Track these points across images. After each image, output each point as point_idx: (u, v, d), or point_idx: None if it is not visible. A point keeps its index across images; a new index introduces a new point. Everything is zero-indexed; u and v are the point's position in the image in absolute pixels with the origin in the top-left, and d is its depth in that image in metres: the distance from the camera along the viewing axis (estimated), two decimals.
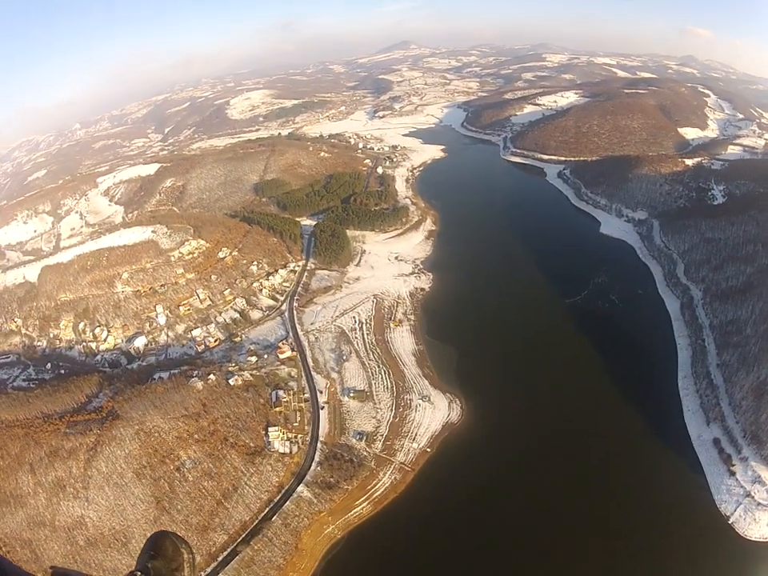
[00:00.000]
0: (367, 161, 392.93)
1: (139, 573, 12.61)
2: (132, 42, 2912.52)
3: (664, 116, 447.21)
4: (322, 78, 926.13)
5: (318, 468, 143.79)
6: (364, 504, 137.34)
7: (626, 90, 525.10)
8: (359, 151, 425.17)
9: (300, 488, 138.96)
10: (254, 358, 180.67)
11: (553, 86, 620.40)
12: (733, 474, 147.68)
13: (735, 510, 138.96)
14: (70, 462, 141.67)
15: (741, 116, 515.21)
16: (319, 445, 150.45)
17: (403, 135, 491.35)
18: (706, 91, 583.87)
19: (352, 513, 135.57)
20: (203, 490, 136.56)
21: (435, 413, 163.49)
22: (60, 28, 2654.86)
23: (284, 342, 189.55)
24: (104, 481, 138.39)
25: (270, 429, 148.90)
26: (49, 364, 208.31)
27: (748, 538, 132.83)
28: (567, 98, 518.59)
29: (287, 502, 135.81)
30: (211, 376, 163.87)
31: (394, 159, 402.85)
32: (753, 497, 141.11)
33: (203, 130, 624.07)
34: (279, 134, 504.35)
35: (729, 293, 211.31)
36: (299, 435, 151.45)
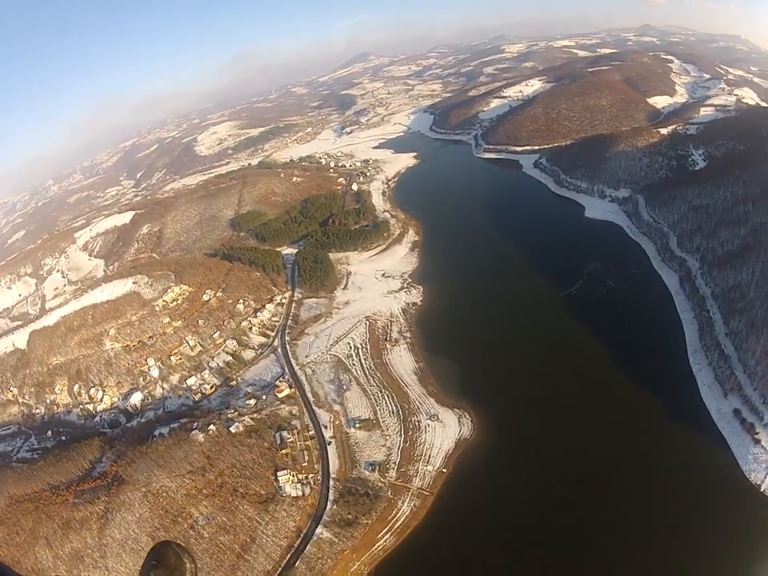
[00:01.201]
0: (341, 179, 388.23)
1: None
2: (94, 90, 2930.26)
3: (631, 89, 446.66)
4: (285, 102, 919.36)
5: (335, 506, 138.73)
6: (387, 536, 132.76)
7: (589, 69, 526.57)
8: (331, 170, 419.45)
9: (319, 529, 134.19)
10: (252, 401, 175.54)
11: (516, 77, 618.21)
12: (758, 441, 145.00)
13: (765, 477, 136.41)
14: (84, 533, 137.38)
15: (707, 76, 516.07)
16: (332, 482, 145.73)
17: (373, 148, 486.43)
18: (669, 57, 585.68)
19: (376, 546, 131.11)
20: (221, 545, 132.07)
21: (446, 431, 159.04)
22: (17, 82, 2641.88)
23: (281, 379, 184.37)
24: (120, 548, 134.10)
25: (279, 473, 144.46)
26: (49, 431, 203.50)
27: None
28: (532, 86, 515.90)
29: (308, 546, 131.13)
30: (211, 426, 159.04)
31: (368, 174, 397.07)
32: None
33: (174, 171, 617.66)
34: (249, 164, 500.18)
35: (726, 258, 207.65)
36: (310, 475, 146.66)
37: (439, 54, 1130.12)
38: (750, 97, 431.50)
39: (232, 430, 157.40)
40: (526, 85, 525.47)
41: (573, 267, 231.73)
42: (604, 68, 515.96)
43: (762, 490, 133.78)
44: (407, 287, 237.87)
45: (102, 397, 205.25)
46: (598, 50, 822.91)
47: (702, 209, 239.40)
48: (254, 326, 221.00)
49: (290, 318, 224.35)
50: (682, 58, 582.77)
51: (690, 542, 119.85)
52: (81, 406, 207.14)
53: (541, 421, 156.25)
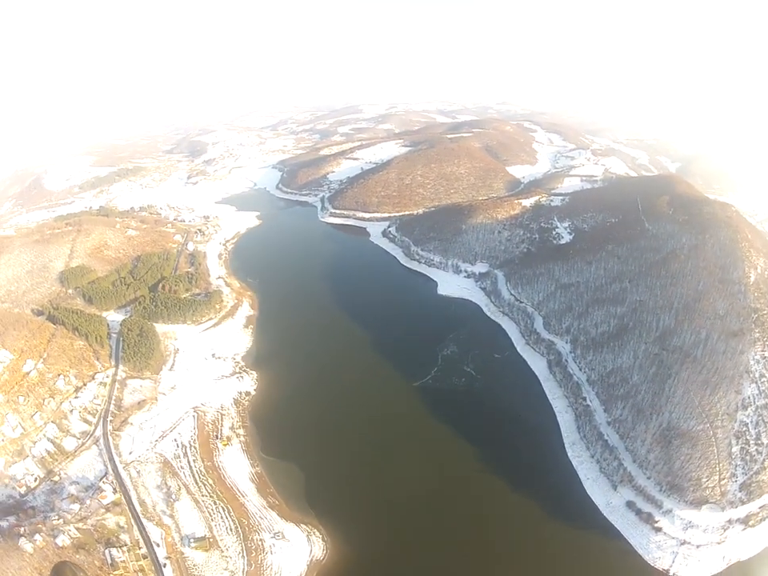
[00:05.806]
0: (177, 236, 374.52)
1: None
2: None
3: (491, 157, 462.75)
4: (140, 142, 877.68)
5: None
6: None
7: (448, 136, 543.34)
8: (169, 225, 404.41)
9: None
10: (76, 506, 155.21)
11: (371, 138, 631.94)
12: (659, 530, 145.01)
13: (674, 561, 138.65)
14: None
15: (572, 146, 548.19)
16: None
17: (216, 203, 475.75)
18: (533, 126, 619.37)
19: None
20: None
21: (295, 551, 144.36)
22: None
23: (105, 479, 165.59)
24: None
25: None
26: None
27: None
28: (387, 150, 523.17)
29: None
30: (38, 536, 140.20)
31: (206, 232, 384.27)
32: (689, 542, 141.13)
33: (22, 203, 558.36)
34: (91, 207, 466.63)
35: (602, 340, 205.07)
36: None
37: (296, 108, 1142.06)
38: (617, 167, 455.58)
39: (59, 542, 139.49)
40: (381, 148, 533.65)
41: (426, 352, 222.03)
42: (464, 134, 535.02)
43: (671, 574, 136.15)
44: (239, 372, 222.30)
45: None
46: (457, 116, 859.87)
47: (571, 287, 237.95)
48: (75, 408, 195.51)
49: (113, 402, 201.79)
50: (546, 128, 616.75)
51: None
52: None
53: (405, 535, 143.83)
